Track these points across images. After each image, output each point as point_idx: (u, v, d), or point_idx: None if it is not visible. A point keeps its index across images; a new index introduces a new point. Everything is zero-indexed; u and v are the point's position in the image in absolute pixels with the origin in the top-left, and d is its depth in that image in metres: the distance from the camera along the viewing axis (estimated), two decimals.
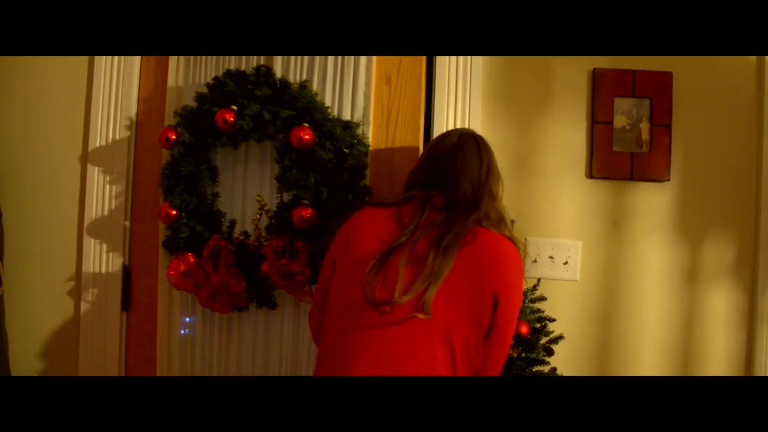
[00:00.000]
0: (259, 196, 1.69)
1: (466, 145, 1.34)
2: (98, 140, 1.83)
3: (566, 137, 1.70)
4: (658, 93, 1.71)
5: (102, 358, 1.81)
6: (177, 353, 1.77)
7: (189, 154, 1.69)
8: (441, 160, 1.33)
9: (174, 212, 1.68)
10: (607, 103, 1.71)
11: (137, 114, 1.83)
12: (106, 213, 1.82)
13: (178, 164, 1.69)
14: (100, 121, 1.82)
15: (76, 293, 1.85)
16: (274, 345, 1.74)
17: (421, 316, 1.14)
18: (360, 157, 1.62)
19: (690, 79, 1.71)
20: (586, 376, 1.67)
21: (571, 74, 1.71)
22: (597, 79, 1.71)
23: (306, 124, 1.59)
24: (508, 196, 1.70)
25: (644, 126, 1.72)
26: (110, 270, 1.81)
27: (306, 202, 1.59)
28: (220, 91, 1.66)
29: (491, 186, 1.33)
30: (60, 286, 1.86)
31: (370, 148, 1.67)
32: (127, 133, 1.81)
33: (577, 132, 1.71)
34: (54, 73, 1.85)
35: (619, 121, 1.71)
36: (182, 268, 1.63)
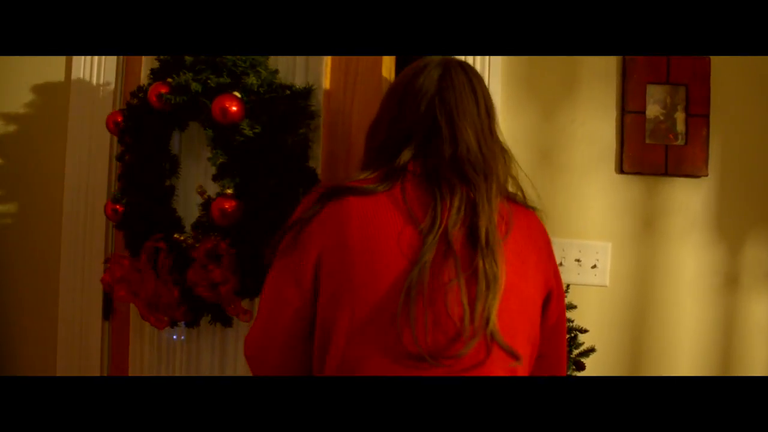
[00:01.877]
0: (200, 187, 1.42)
1: (455, 78, 1.00)
2: (79, 138, 1.67)
3: (594, 128, 1.58)
4: (694, 80, 1.58)
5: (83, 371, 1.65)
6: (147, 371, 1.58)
7: (139, 140, 1.47)
8: (424, 102, 0.98)
9: (121, 209, 1.48)
10: (639, 91, 1.57)
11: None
12: (87, 218, 1.66)
13: (123, 154, 1.50)
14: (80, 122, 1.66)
15: (54, 301, 1.70)
16: (229, 372, 1.47)
17: (513, 364, 0.88)
18: (303, 133, 1.32)
19: (730, 64, 1.58)
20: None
21: (599, 59, 1.58)
22: (628, 64, 1.58)
23: (236, 93, 1.30)
24: (532, 192, 1.56)
25: (680, 116, 1.58)
26: (91, 276, 1.65)
27: (229, 191, 1.30)
28: (161, 66, 1.44)
29: (495, 129, 1.04)
30: (40, 292, 1.71)
31: (322, 119, 1.38)
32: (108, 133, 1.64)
33: (606, 122, 1.58)
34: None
35: (652, 110, 1.58)
36: (118, 273, 1.41)
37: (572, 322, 1.41)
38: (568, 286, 1.43)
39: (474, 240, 0.90)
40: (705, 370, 1.57)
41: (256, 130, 1.27)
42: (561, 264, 1.57)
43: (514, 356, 0.88)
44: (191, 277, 1.31)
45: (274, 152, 1.29)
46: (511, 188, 1.05)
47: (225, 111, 1.27)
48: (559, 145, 1.58)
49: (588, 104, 1.58)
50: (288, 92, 1.34)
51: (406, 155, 0.97)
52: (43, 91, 1.78)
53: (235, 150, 1.29)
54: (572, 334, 1.38)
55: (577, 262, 1.57)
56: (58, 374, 1.67)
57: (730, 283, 1.58)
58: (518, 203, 1.02)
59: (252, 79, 1.31)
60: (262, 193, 1.28)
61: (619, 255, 1.57)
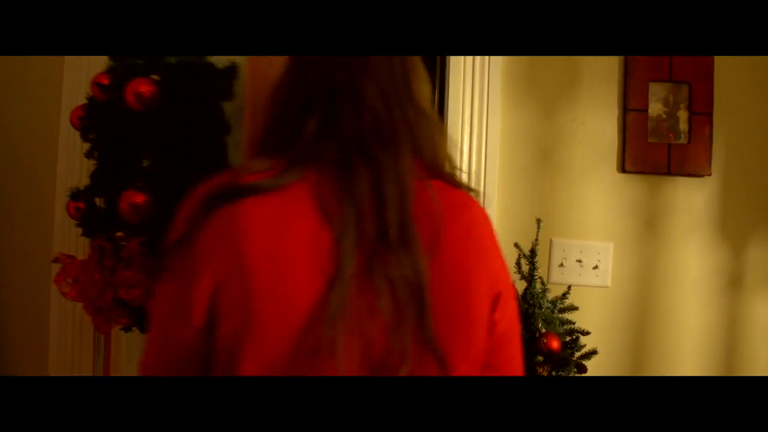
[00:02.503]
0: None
1: None
2: (71, 134, 1.64)
3: (595, 126, 1.55)
4: (698, 77, 1.55)
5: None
6: None
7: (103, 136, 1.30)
8: (321, 63, 0.78)
9: (83, 206, 1.34)
10: (641, 89, 1.55)
11: None
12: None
13: (92, 152, 1.35)
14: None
15: (46, 300, 1.67)
16: None
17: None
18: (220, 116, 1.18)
19: (734, 61, 1.56)
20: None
21: (600, 56, 1.55)
22: (630, 61, 1.56)
23: (153, 76, 1.17)
24: (530, 192, 1.54)
25: (682, 114, 1.56)
26: None
27: (140, 184, 1.16)
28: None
29: (416, 91, 0.81)
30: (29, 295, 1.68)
31: (246, 101, 1.23)
32: None
33: (608, 121, 1.56)
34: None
35: (655, 108, 1.56)
36: (71, 273, 1.29)
37: (574, 323, 1.38)
38: (569, 287, 1.41)
39: (385, 240, 0.70)
40: (708, 372, 1.55)
41: (170, 115, 1.13)
42: (562, 265, 1.55)
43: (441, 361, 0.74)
44: (115, 279, 1.21)
45: (187, 138, 1.15)
46: (434, 150, 0.84)
47: (139, 96, 1.14)
48: (560, 144, 1.56)
49: (589, 102, 1.55)
50: (208, 71, 1.20)
51: (311, 127, 0.75)
52: (35, 87, 1.75)
53: (147, 136, 1.16)
54: (574, 336, 1.35)
55: (578, 263, 1.54)
56: (50, 374, 1.65)
57: (733, 283, 1.56)
58: (453, 187, 0.79)
59: (170, 58, 1.18)
60: (175, 186, 1.08)
61: (620, 256, 1.55)
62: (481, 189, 1.53)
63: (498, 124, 1.53)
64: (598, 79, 1.56)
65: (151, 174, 1.16)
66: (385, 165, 0.73)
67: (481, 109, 1.53)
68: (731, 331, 1.56)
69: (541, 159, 1.56)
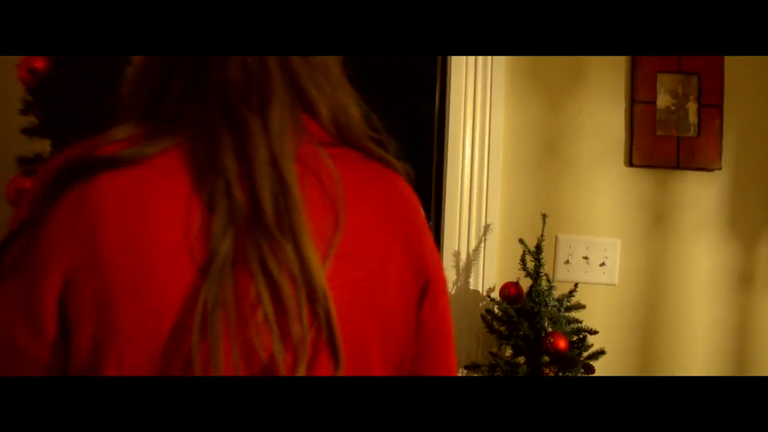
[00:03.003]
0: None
1: None
2: None
3: (602, 119, 1.51)
4: (707, 68, 1.51)
5: None
6: None
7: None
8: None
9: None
10: (650, 80, 1.50)
11: None
12: None
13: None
14: None
15: None
16: None
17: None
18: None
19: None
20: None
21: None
22: None
23: None
24: (535, 187, 1.49)
25: (692, 106, 1.51)
26: None
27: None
28: None
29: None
30: None
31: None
32: None
33: (615, 113, 1.51)
34: None
35: (663, 100, 1.51)
36: None
37: (581, 322, 1.34)
38: (576, 285, 1.36)
39: (260, 219, 0.56)
40: (719, 372, 1.50)
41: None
42: (567, 262, 1.50)
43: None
44: None
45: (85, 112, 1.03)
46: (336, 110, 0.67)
47: (34, 71, 1.04)
48: (566, 137, 1.51)
49: (596, 94, 1.51)
50: None
51: (177, 85, 0.61)
52: None
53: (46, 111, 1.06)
54: (581, 336, 1.31)
55: (584, 260, 1.50)
56: None
57: (744, 281, 1.52)
58: (368, 158, 0.65)
59: None
60: None
61: (628, 252, 1.51)
62: (485, 184, 1.49)
63: (501, 116, 1.49)
64: (604, 70, 1.51)
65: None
66: (251, 125, 0.58)
67: (484, 102, 1.49)
68: (742, 330, 1.52)
69: (546, 153, 1.51)
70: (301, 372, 0.55)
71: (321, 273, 0.56)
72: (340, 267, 0.58)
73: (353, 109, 0.67)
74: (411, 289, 0.63)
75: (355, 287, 0.59)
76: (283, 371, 0.55)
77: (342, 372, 0.57)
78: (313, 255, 0.56)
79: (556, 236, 1.50)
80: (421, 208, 0.70)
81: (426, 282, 0.64)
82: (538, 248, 1.32)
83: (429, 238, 0.68)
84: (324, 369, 0.57)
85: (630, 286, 1.51)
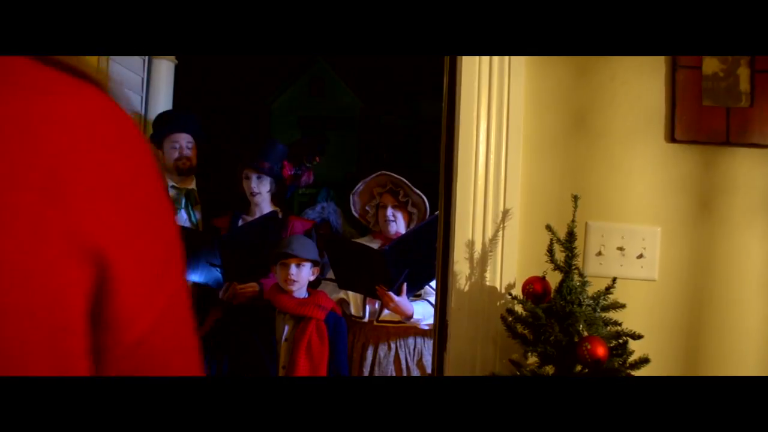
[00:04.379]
0: None
1: None
2: None
3: (639, 87, 1.32)
4: None
5: None
6: None
7: None
8: None
9: None
10: None
11: None
12: None
13: None
14: None
15: None
16: None
17: None
18: None
19: None
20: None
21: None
22: None
23: None
24: (561, 166, 1.29)
25: (743, 72, 1.32)
26: None
27: None
28: None
29: None
30: None
31: None
32: None
33: (654, 80, 1.32)
34: None
35: (710, 65, 1.32)
36: None
37: (620, 324, 1.12)
38: (614, 279, 1.15)
39: None
40: None
41: None
42: (600, 253, 1.29)
43: None
44: None
45: None
46: None
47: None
48: (597, 107, 1.32)
49: (632, 58, 1.32)
50: None
51: None
52: None
53: None
54: (621, 341, 1.10)
55: (619, 251, 1.30)
56: None
57: None
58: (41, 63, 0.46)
59: None
60: None
61: (670, 242, 1.32)
62: (503, 163, 1.28)
63: (522, 83, 1.30)
64: None
65: None
66: None
67: (502, 66, 1.28)
68: None
69: (574, 126, 1.32)
70: None
71: None
72: None
73: None
74: (73, 261, 0.39)
75: None
76: None
77: None
78: None
79: (586, 224, 1.30)
80: (141, 150, 0.44)
81: (102, 271, 0.41)
82: (571, 235, 1.11)
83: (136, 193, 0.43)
84: None
85: (672, 282, 1.32)
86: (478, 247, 1.26)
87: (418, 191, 2.34)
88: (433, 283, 2.29)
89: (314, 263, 2.21)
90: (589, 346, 1.02)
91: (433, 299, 2.31)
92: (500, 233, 1.26)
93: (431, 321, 2.26)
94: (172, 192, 2.53)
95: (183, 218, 2.53)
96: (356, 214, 2.51)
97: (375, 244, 2.37)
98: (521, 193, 1.28)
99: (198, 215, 2.60)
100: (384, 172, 2.38)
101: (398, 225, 2.37)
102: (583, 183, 1.30)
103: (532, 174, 1.30)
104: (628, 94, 1.31)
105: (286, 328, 2.17)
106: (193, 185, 2.61)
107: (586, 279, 1.14)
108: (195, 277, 2.38)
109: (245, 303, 2.34)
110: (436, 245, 2.30)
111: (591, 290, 1.14)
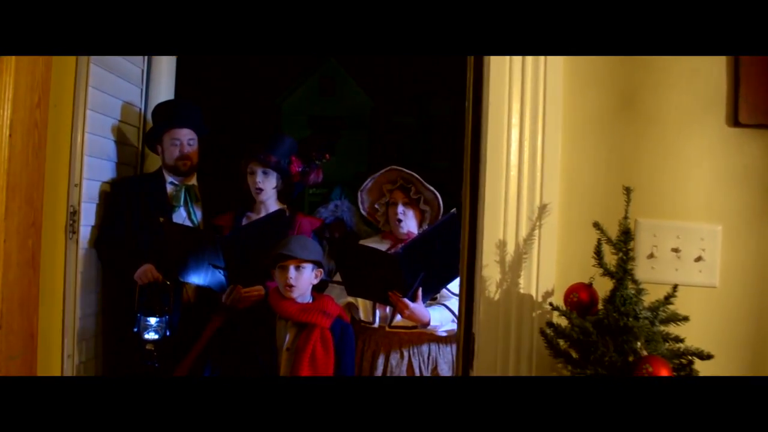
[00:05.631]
0: None
1: None
2: None
3: (698, 62, 1.18)
4: None
5: None
6: None
7: None
8: None
9: None
10: None
11: None
12: None
13: None
14: None
15: None
16: None
17: None
18: None
19: None
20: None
21: None
22: None
23: None
24: (608, 154, 1.17)
25: None
26: None
27: None
28: None
29: None
30: None
31: None
32: None
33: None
34: None
35: None
36: None
37: (683, 341, 0.95)
38: (675, 287, 0.99)
39: None
40: None
41: None
42: (652, 255, 1.14)
43: None
44: None
45: None
46: None
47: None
48: (647, 86, 1.19)
49: None
50: None
51: None
52: None
53: None
54: (685, 360, 0.93)
55: (674, 253, 1.15)
56: None
57: None
58: None
59: None
60: None
61: (732, 243, 1.17)
62: (539, 151, 1.12)
63: (560, 59, 1.15)
64: None
65: None
66: None
67: None
68: None
69: (621, 107, 1.18)
70: None
71: None
72: None
73: None
74: None
75: None
76: None
77: None
78: None
79: (636, 221, 1.15)
80: None
81: None
82: (626, 234, 0.93)
83: None
84: None
85: (735, 289, 1.17)
86: (510, 249, 1.10)
87: (430, 187, 2.19)
88: (451, 285, 2.14)
89: (316, 265, 2.05)
90: (650, 368, 0.85)
91: (450, 303, 2.16)
92: (536, 232, 1.11)
93: (449, 327, 2.11)
94: (170, 188, 2.39)
95: (182, 216, 2.39)
96: (364, 213, 2.37)
97: (385, 245, 2.22)
98: (560, 185, 1.15)
99: (199, 213, 2.45)
100: (394, 167, 2.24)
101: (409, 224, 2.22)
102: (631, 174, 1.17)
103: (573, 163, 1.16)
104: (683, 71, 1.18)
105: (287, 337, 2.01)
106: (193, 181, 2.47)
107: (641, 286, 0.97)
108: (196, 279, 2.24)
109: (251, 307, 2.19)
110: (453, 245, 2.15)
111: (648, 299, 0.97)
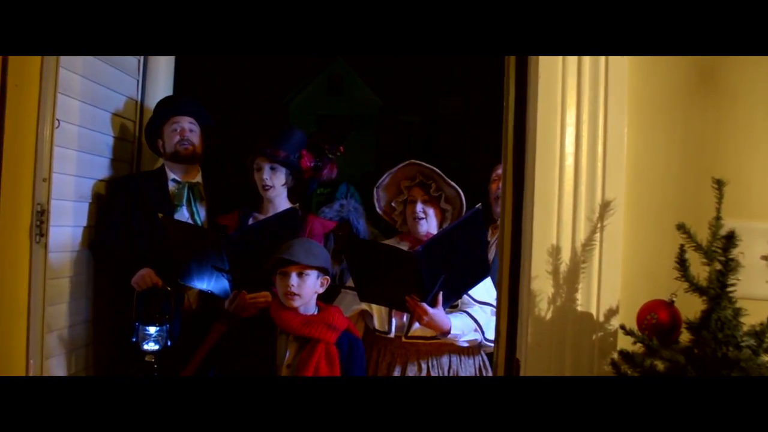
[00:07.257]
0: None
1: None
2: None
3: None
4: None
5: None
6: None
7: None
8: None
9: None
10: None
11: None
12: None
13: None
14: None
15: None
16: None
17: None
18: None
19: None
20: None
21: None
22: None
23: None
24: (681, 141, 1.01)
25: None
26: None
27: None
28: None
29: None
30: None
31: None
32: None
33: None
34: None
35: None
36: None
37: None
38: None
39: None
40: None
41: None
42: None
43: None
44: None
45: None
46: None
47: None
48: (729, 59, 1.01)
49: None
50: None
51: None
52: None
53: None
54: None
55: (765, 261, 0.93)
56: None
57: None
58: None
59: None
60: None
61: None
62: (600, 138, 0.93)
63: None
64: None
65: None
66: None
67: None
68: None
69: (698, 85, 1.03)
70: None
71: None
72: None
73: None
74: None
75: None
76: None
77: None
78: None
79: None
80: None
81: None
82: (730, 240, 0.74)
83: None
84: None
85: None
86: (565, 256, 0.92)
87: (453, 183, 2.02)
88: (473, 292, 1.96)
89: (322, 272, 1.84)
90: None
91: (472, 310, 1.98)
92: (597, 236, 0.92)
93: (471, 337, 1.93)
94: (172, 185, 2.23)
95: (185, 216, 2.23)
96: (380, 211, 2.19)
97: (402, 247, 2.03)
98: (627, 178, 0.97)
99: (203, 213, 2.30)
100: (413, 161, 2.06)
101: (429, 224, 2.05)
102: (712, 163, 0.99)
103: (640, 151, 1.00)
104: None
105: (288, 353, 1.81)
106: (198, 178, 2.31)
107: (736, 305, 0.77)
108: (199, 283, 2.07)
109: (254, 317, 2.01)
110: (478, 245, 1.96)
111: (747, 321, 0.77)
